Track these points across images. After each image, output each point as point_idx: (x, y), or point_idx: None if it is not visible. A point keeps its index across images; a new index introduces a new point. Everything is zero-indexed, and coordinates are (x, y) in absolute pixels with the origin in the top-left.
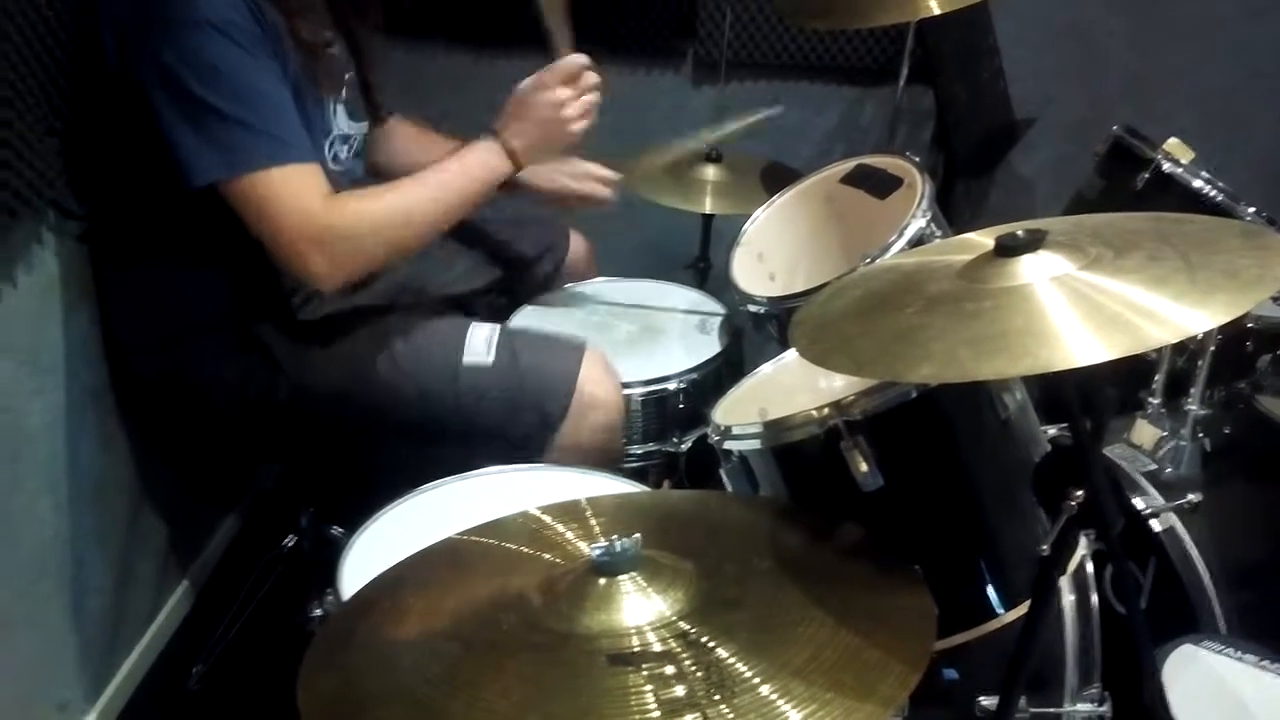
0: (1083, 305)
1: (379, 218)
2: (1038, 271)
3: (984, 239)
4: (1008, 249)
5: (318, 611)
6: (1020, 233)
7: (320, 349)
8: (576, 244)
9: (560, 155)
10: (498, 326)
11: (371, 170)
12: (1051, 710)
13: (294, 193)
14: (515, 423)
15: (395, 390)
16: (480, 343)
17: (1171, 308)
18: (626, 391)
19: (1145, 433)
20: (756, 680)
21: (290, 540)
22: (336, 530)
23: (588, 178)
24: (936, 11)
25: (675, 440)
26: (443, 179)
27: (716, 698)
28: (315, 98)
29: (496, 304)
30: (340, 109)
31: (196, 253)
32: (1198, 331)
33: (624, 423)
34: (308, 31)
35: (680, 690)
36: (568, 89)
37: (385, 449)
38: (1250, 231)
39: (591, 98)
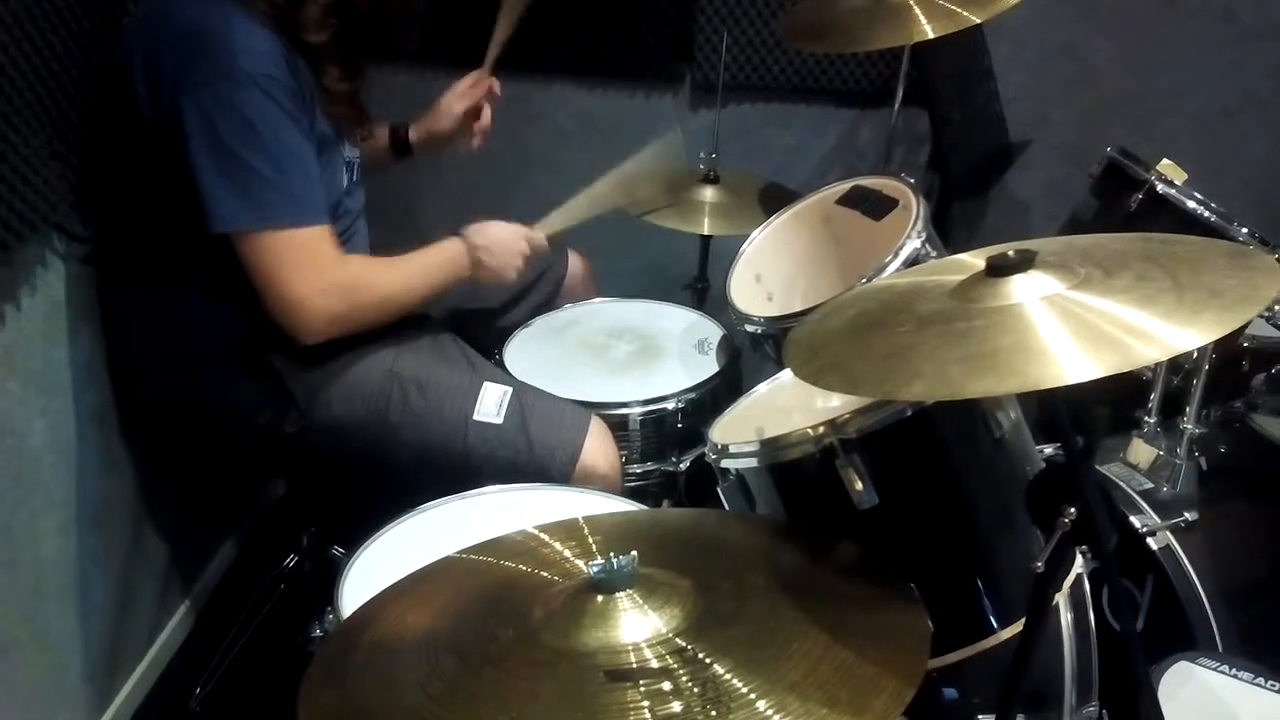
0: (1072, 324)
1: (384, 287)
2: (1028, 291)
3: (975, 260)
4: (999, 269)
5: (318, 631)
6: (1011, 253)
7: (333, 386)
8: (575, 264)
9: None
10: (509, 389)
11: None
12: None
13: (311, 251)
14: (517, 481)
15: (403, 437)
16: (491, 404)
17: (1160, 326)
18: (625, 411)
19: (1141, 452)
20: (752, 696)
21: (291, 560)
22: (337, 550)
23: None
24: (931, 35)
25: (674, 459)
26: (431, 264)
27: (713, 713)
28: (335, 137)
29: (496, 327)
30: (346, 139)
31: (210, 281)
32: (1185, 349)
33: (620, 488)
34: (332, 80)
35: (677, 706)
36: (528, 249)
37: (387, 481)
38: (1237, 252)
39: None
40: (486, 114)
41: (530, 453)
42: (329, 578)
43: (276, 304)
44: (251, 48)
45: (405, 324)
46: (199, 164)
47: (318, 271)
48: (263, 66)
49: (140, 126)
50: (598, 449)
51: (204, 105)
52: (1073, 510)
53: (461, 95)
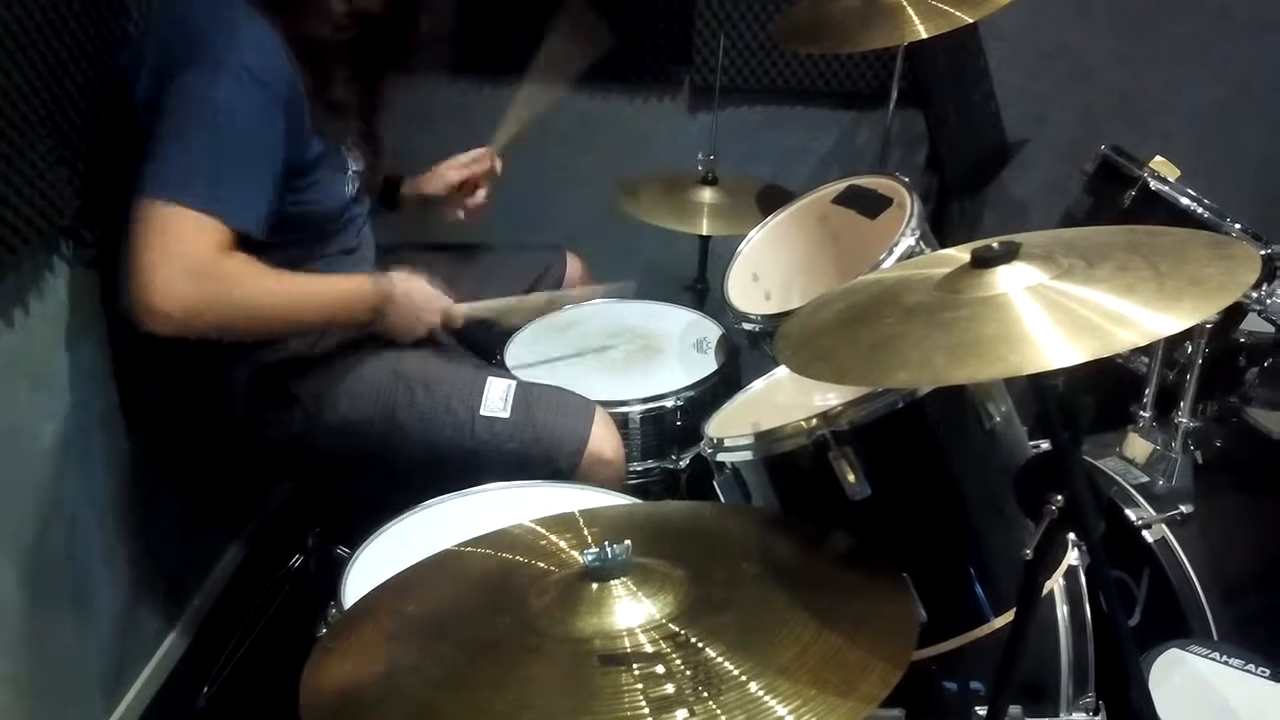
0: (1054, 312)
1: (250, 290)
2: (1012, 281)
3: (962, 253)
4: (983, 261)
5: (323, 630)
6: (995, 245)
7: (339, 388)
8: (572, 267)
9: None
10: (513, 382)
11: None
12: None
13: (192, 236)
14: (525, 475)
15: (411, 435)
16: (497, 398)
17: (1139, 313)
18: (625, 409)
19: (1137, 446)
20: (743, 678)
21: (296, 561)
22: (342, 551)
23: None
24: (924, 35)
25: (674, 457)
26: (327, 293)
27: (704, 694)
28: (335, 146)
29: (494, 332)
30: (353, 149)
31: None
32: (1163, 334)
33: (625, 477)
34: (337, 88)
35: (669, 688)
36: (437, 321)
37: (395, 480)
38: (1217, 242)
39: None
40: (482, 193)
41: (537, 443)
42: (334, 577)
43: (132, 275)
44: (253, 43)
45: None
46: (157, 134)
47: (184, 254)
48: (259, 61)
49: (136, 126)
50: (603, 437)
51: (185, 85)
52: (1059, 498)
53: (461, 166)
